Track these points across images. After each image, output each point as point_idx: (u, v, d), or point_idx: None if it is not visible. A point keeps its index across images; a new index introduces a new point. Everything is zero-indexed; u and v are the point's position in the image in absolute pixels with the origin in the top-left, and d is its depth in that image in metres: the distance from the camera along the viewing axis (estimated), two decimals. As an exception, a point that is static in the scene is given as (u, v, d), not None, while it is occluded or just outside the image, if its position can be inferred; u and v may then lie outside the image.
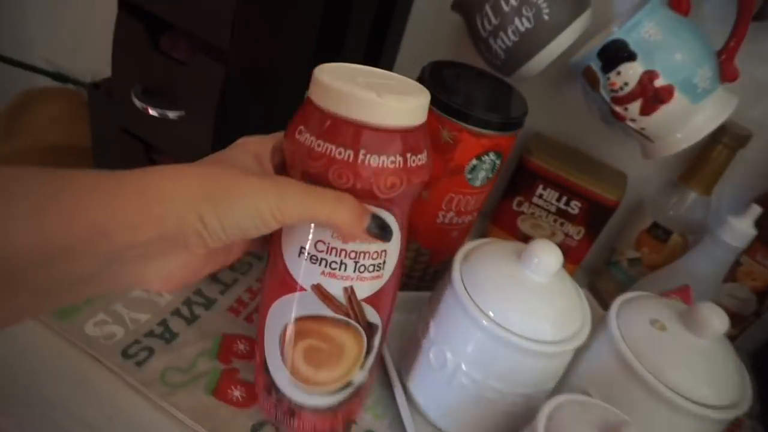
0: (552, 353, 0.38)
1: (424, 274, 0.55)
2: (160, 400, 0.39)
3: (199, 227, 0.25)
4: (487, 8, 0.48)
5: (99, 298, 0.45)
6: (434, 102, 0.44)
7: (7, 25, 0.93)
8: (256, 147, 0.31)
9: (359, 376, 0.37)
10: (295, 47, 0.44)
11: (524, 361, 0.38)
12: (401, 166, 0.29)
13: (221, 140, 0.38)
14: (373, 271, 0.33)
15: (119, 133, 0.45)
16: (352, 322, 0.34)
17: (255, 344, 0.39)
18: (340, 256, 0.31)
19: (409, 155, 0.29)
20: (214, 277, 0.50)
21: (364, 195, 0.29)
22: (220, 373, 0.42)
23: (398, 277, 0.36)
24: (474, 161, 0.45)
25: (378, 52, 0.59)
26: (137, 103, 0.40)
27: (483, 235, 0.66)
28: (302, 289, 0.32)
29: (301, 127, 0.29)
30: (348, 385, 0.37)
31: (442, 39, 0.65)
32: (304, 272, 0.32)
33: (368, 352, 0.36)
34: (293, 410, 0.37)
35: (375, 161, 0.28)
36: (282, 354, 0.35)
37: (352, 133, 0.28)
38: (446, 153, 0.45)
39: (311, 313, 0.33)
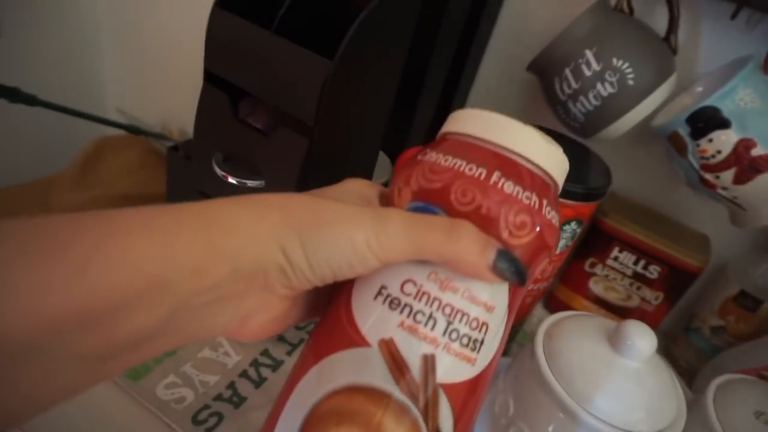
0: (646, 445, 0.35)
1: (494, 339, 0.53)
2: (230, 472, 0.38)
3: (282, 260, 0.20)
4: (567, 72, 0.47)
5: (169, 359, 0.45)
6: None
7: (81, 75, 0.97)
8: (362, 187, 0.26)
9: None
10: (373, 116, 0.44)
11: (614, 451, 0.35)
12: (536, 207, 0.23)
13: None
14: (467, 345, 0.23)
15: (196, 196, 0.46)
16: (419, 417, 0.22)
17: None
18: (431, 305, 0.22)
19: (545, 202, 0.23)
20: (281, 337, 0.50)
21: (486, 227, 0.23)
22: (289, 443, 0.41)
23: (491, 378, 0.26)
24: (554, 230, 0.43)
25: (446, 110, 0.59)
26: (218, 170, 0.40)
27: (551, 294, 0.64)
28: (365, 343, 0.22)
29: (427, 150, 0.24)
30: None
31: (508, 100, 0.65)
32: (375, 320, 0.22)
33: None
34: None
35: (509, 187, 0.22)
36: None
37: (488, 153, 0.23)
38: (525, 221, 0.43)
39: (365, 384, 0.22)
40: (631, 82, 0.45)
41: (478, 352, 0.23)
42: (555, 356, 0.37)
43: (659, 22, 0.49)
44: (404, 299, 0.22)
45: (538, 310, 0.64)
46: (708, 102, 0.43)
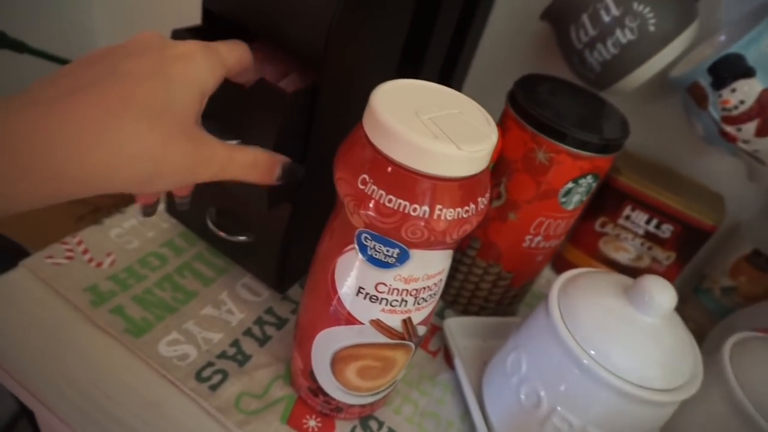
0: (661, 402, 0.34)
1: (503, 298, 0.51)
2: (236, 428, 0.37)
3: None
4: (585, 18, 0.45)
5: (171, 316, 0.43)
6: (529, 119, 0.41)
7: (70, 25, 0.94)
8: (204, 79, 0.28)
9: (401, 374, 0.39)
10: (380, 66, 0.42)
11: (628, 408, 0.34)
12: (474, 212, 0.28)
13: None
14: (430, 299, 0.33)
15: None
16: (407, 342, 0.35)
17: (294, 348, 0.39)
18: (401, 295, 0.31)
19: (479, 199, 0.29)
20: (285, 296, 0.49)
21: (434, 243, 0.29)
22: (295, 401, 0.41)
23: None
24: (570, 184, 0.41)
25: (453, 64, 0.56)
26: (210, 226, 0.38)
27: (559, 255, 0.62)
28: (359, 322, 0.33)
29: (365, 176, 0.27)
30: (392, 384, 0.39)
31: (520, 51, 0.62)
32: (362, 309, 0.32)
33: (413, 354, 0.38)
34: (341, 407, 0.39)
35: (451, 215, 0.27)
36: (334, 373, 0.36)
37: (428, 188, 0.26)
38: (539, 174, 0.41)
39: (368, 342, 0.34)
40: (652, 29, 0.43)
41: (437, 294, 0.34)
42: (570, 313, 0.36)
43: (682, -33, 0.47)
44: (380, 295, 0.31)
45: (546, 271, 0.62)
46: (732, 50, 0.41)
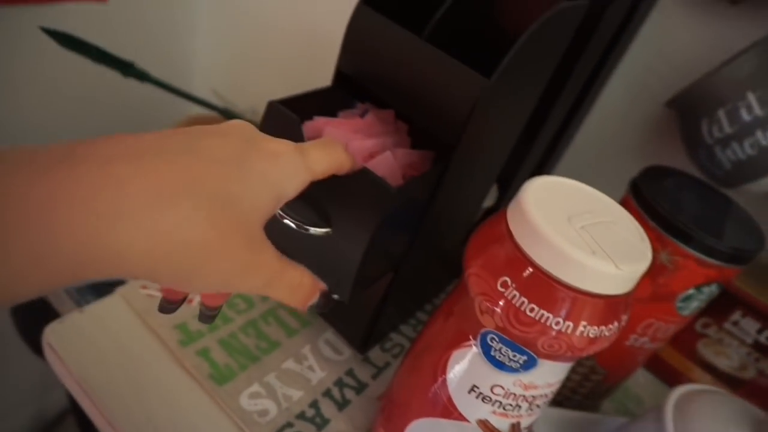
0: None
1: (592, 392, 0.48)
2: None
3: None
4: (721, 113, 0.42)
5: (254, 366, 0.43)
6: (655, 217, 0.39)
7: (175, 54, 0.98)
8: (284, 185, 0.25)
9: None
10: (503, 143, 0.41)
11: None
12: (616, 331, 0.26)
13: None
14: (543, 406, 0.31)
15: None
16: None
17: (380, 421, 0.38)
18: (517, 400, 0.29)
19: (623, 317, 0.27)
20: (365, 358, 0.47)
21: (567, 357, 0.27)
22: (371, 478, 0.39)
23: None
24: (691, 291, 0.39)
25: (559, 139, 0.55)
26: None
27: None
28: (464, 419, 0.31)
29: (506, 279, 0.25)
30: None
31: (630, 132, 0.60)
32: (471, 407, 0.30)
33: None
34: None
35: (594, 332, 0.25)
36: None
37: (575, 303, 0.25)
38: (659, 276, 0.39)
39: None
40: (799, 135, 0.40)
41: (549, 400, 0.31)
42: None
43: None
44: (494, 397, 0.29)
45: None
46: None
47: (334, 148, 0.28)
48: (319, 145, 0.27)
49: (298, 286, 0.27)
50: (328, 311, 0.46)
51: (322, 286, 0.29)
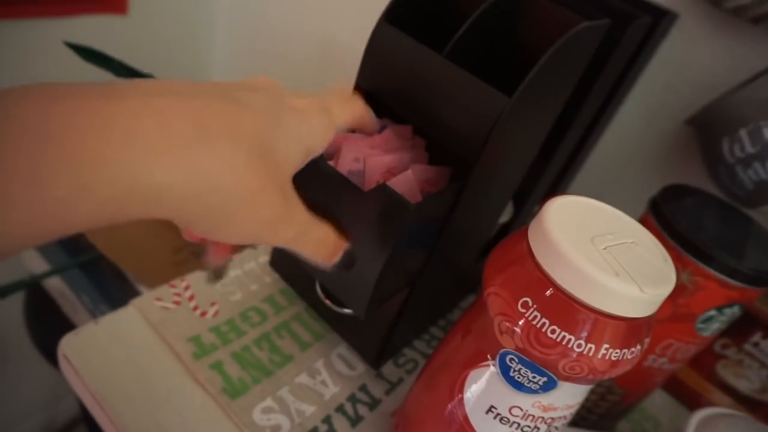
0: None
1: (608, 412, 0.47)
2: None
3: None
4: (743, 133, 0.42)
5: (267, 379, 0.42)
6: (675, 236, 0.38)
7: (194, 66, 0.99)
8: (312, 140, 0.26)
9: None
10: (520, 161, 0.40)
11: None
12: (638, 353, 0.26)
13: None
14: (561, 428, 0.30)
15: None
16: None
17: None
18: (536, 421, 0.29)
19: (645, 339, 0.26)
20: (379, 373, 0.47)
21: (588, 380, 0.27)
22: (384, 497, 0.38)
23: None
24: (712, 312, 0.38)
25: (576, 155, 0.54)
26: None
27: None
28: None
29: (528, 300, 0.25)
30: None
31: (647, 149, 0.59)
32: (489, 427, 0.29)
33: None
34: None
35: (616, 355, 0.25)
36: None
37: (598, 325, 0.24)
38: (679, 296, 0.38)
39: None
40: (824, 156, 0.39)
41: (568, 419, 0.30)
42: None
43: None
44: (512, 418, 0.28)
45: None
46: None
47: (355, 102, 0.30)
48: (341, 100, 0.30)
49: (324, 242, 0.29)
50: (343, 328, 0.47)
51: (345, 243, 0.30)
